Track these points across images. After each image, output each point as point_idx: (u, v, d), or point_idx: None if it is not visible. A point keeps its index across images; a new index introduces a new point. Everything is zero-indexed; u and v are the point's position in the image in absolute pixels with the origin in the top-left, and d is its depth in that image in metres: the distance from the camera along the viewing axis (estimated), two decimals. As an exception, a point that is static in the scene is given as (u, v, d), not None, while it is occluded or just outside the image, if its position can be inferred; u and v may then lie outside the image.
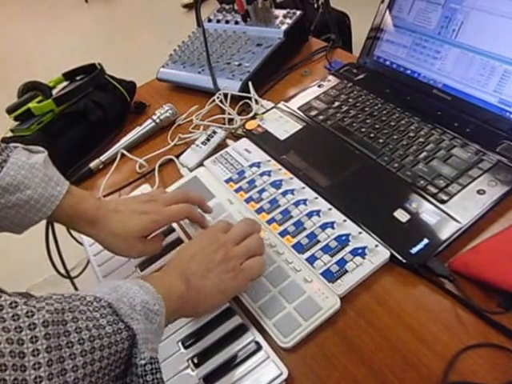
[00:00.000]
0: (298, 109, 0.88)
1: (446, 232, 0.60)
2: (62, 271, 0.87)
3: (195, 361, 0.56)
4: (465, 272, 0.57)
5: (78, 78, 1.00)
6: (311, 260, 0.61)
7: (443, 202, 0.64)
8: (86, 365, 0.38)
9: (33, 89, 0.93)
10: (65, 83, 1.00)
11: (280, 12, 1.07)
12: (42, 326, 0.36)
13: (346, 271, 0.59)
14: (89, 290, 0.45)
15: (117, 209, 0.63)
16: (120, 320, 0.43)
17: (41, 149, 0.62)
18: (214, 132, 0.86)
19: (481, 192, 0.64)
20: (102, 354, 0.40)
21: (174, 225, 0.73)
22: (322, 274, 0.59)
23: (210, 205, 0.72)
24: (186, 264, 0.56)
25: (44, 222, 0.75)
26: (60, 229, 0.78)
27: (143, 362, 0.42)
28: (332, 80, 0.93)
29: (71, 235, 0.82)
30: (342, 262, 0.60)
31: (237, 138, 0.87)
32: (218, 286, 0.56)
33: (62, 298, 0.41)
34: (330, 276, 0.59)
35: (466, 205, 0.63)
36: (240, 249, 0.59)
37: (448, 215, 0.62)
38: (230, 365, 0.55)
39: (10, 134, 0.91)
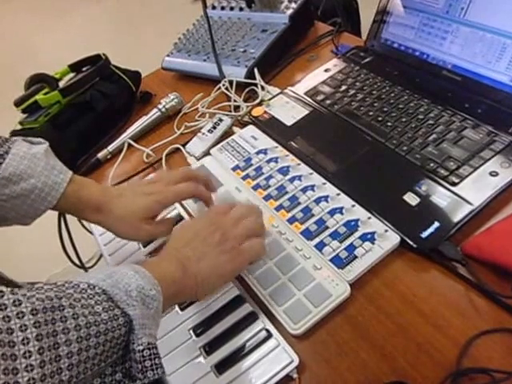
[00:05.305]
0: (305, 94, 0.86)
1: (458, 214, 0.59)
2: (77, 262, 0.88)
3: (207, 349, 0.56)
4: (477, 255, 0.56)
5: (84, 69, 1.00)
6: (320, 246, 0.60)
7: (454, 184, 0.63)
8: (80, 351, 0.38)
9: (39, 81, 0.93)
10: (71, 75, 1.00)
11: (285, -4, 1.05)
12: (31, 314, 0.36)
13: (356, 257, 0.58)
14: (84, 277, 0.45)
15: (121, 193, 0.63)
16: (116, 306, 0.42)
17: (42, 140, 0.62)
18: (220, 120, 0.85)
19: (493, 174, 0.63)
20: (97, 341, 0.39)
21: (181, 211, 0.73)
22: (331, 260, 0.58)
23: (219, 193, 0.72)
24: (180, 249, 0.55)
25: (56, 214, 0.75)
26: (74, 220, 0.79)
27: (141, 347, 0.42)
28: (339, 64, 0.91)
29: (83, 225, 0.83)
30: (351, 248, 0.59)
31: (243, 125, 0.86)
32: (215, 268, 0.55)
33: (55, 287, 0.40)
34: (339, 262, 0.58)
35: (478, 187, 0.62)
36: (238, 230, 0.58)
37: (460, 197, 0.61)
38: (241, 353, 0.55)
39: (19, 127, 0.91)
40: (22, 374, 0.33)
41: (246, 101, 0.90)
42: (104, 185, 0.76)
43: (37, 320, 0.36)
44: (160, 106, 0.94)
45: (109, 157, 0.92)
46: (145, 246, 0.71)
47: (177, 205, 0.73)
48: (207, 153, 0.82)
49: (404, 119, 0.74)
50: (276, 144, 0.77)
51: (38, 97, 0.89)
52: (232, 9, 1.12)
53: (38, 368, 0.34)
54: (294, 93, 0.88)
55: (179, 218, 0.72)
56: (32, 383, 0.34)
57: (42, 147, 0.61)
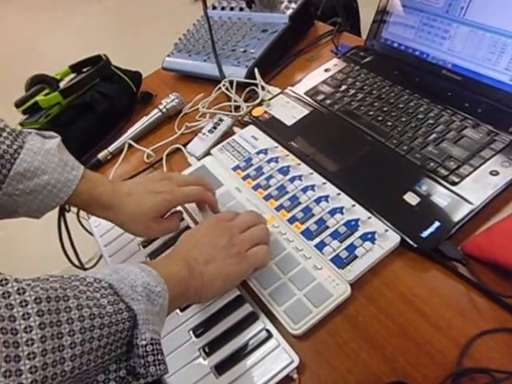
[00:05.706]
0: (305, 94, 0.86)
1: (458, 214, 0.59)
2: (77, 262, 0.88)
3: (206, 350, 0.56)
4: (478, 255, 0.56)
5: (84, 69, 1.00)
6: (320, 246, 0.60)
7: (454, 183, 0.63)
8: (84, 342, 0.38)
9: (40, 82, 0.93)
10: (72, 75, 1.00)
11: (285, -4, 1.05)
12: (34, 302, 0.35)
13: (356, 257, 0.58)
14: (89, 272, 0.45)
15: (131, 191, 0.64)
16: (121, 300, 0.42)
17: (54, 134, 0.63)
18: (221, 120, 0.85)
19: (494, 173, 0.63)
20: (101, 333, 0.39)
21: (184, 214, 0.73)
22: (331, 260, 0.58)
23: (219, 193, 0.72)
24: (188, 250, 0.56)
25: (56, 215, 0.75)
26: (74, 221, 0.79)
27: (144, 342, 0.42)
28: (339, 64, 0.91)
29: (83, 226, 0.83)
30: (351, 248, 0.59)
31: (244, 125, 0.86)
32: (221, 270, 0.55)
33: (60, 279, 0.41)
34: (339, 262, 0.58)
35: (479, 186, 0.62)
36: (245, 236, 0.59)
37: (460, 196, 0.61)
38: (241, 353, 0.55)
39: (19, 128, 0.91)
40: (24, 362, 0.33)
41: (246, 101, 0.90)
42: (114, 181, 0.76)
43: (40, 309, 0.36)
44: (161, 107, 0.94)
45: (109, 157, 0.92)
46: (145, 247, 0.71)
47: (186, 217, 0.73)
48: (208, 153, 0.82)
49: (404, 119, 0.74)
50: (276, 144, 0.77)
51: (39, 98, 0.89)
52: (232, 9, 1.12)
53: (40, 356, 0.34)
54: (294, 93, 0.88)
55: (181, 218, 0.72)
56: (34, 371, 0.33)
57: (55, 142, 0.61)
